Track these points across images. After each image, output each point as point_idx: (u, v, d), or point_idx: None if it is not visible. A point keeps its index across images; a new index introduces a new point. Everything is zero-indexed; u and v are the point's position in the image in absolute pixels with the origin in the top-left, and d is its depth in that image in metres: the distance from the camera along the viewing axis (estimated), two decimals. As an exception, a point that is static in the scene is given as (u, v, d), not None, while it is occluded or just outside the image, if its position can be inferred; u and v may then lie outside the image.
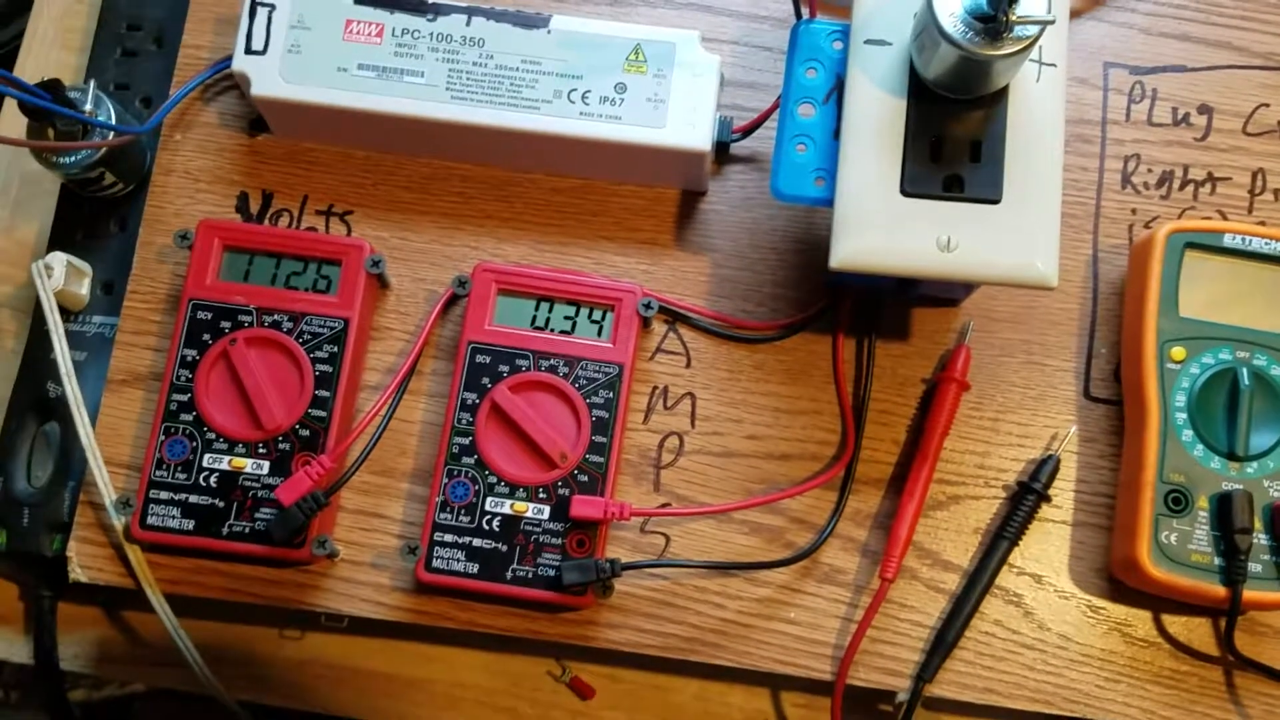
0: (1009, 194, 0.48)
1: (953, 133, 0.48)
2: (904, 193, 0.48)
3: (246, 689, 0.58)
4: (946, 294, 0.57)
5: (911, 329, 0.57)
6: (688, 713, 0.58)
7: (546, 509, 0.52)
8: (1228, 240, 0.54)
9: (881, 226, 0.48)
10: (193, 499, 0.53)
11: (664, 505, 0.55)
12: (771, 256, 0.58)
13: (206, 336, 0.54)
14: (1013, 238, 0.48)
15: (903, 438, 0.56)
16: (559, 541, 0.52)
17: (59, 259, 0.58)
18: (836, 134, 0.50)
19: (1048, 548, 0.55)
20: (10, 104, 0.64)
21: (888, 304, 0.57)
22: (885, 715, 0.57)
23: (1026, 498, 0.55)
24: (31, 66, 0.65)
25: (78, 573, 0.55)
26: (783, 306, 0.57)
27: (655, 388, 0.56)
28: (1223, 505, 0.51)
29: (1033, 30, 0.44)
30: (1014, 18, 0.43)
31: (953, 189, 0.48)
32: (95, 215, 0.61)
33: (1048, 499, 0.55)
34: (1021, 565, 0.55)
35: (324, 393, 0.54)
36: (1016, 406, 0.57)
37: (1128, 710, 0.53)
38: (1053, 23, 0.44)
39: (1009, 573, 0.55)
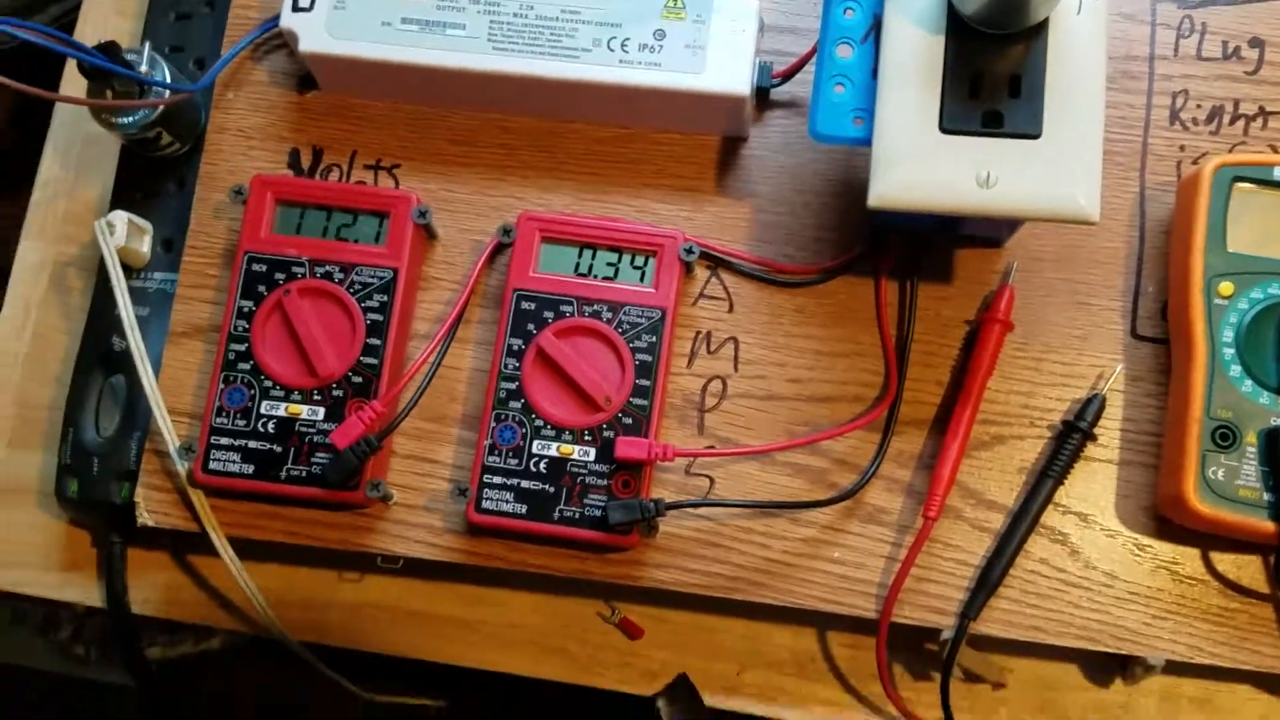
0: (1049, 128, 0.48)
1: (992, 68, 0.48)
2: (943, 129, 0.48)
3: (307, 631, 0.60)
4: (989, 234, 0.57)
5: (954, 270, 0.57)
6: (735, 652, 0.59)
7: (592, 451, 0.53)
8: (1278, 174, 0.53)
9: (920, 163, 0.48)
10: (252, 444, 0.55)
11: (708, 447, 0.56)
12: (813, 200, 0.58)
13: (262, 288, 0.56)
14: (1053, 172, 0.48)
15: (946, 379, 0.56)
16: (605, 483, 0.53)
17: (120, 217, 0.60)
18: (874, 73, 0.50)
19: (1094, 487, 0.55)
20: (71, 68, 0.66)
21: (930, 246, 0.57)
22: (931, 654, 0.58)
23: (1071, 437, 0.54)
24: (90, 32, 0.67)
25: (145, 517, 0.57)
26: (825, 250, 0.58)
27: (698, 332, 0.57)
28: (1271, 440, 0.51)
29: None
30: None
31: (992, 125, 0.48)
32: (154, 175, 0.63)
33: (1093, 438, 0.55)
34: (1067, 504, 0.55)
35: (375, 340, 0.55)
36: (1061, 346, 0.56)
37: (1175, 646, 0.53)
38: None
39: (1054, 512, 0.55)
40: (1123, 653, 0.54)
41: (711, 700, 0.59)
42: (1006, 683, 0.57)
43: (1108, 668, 0.57)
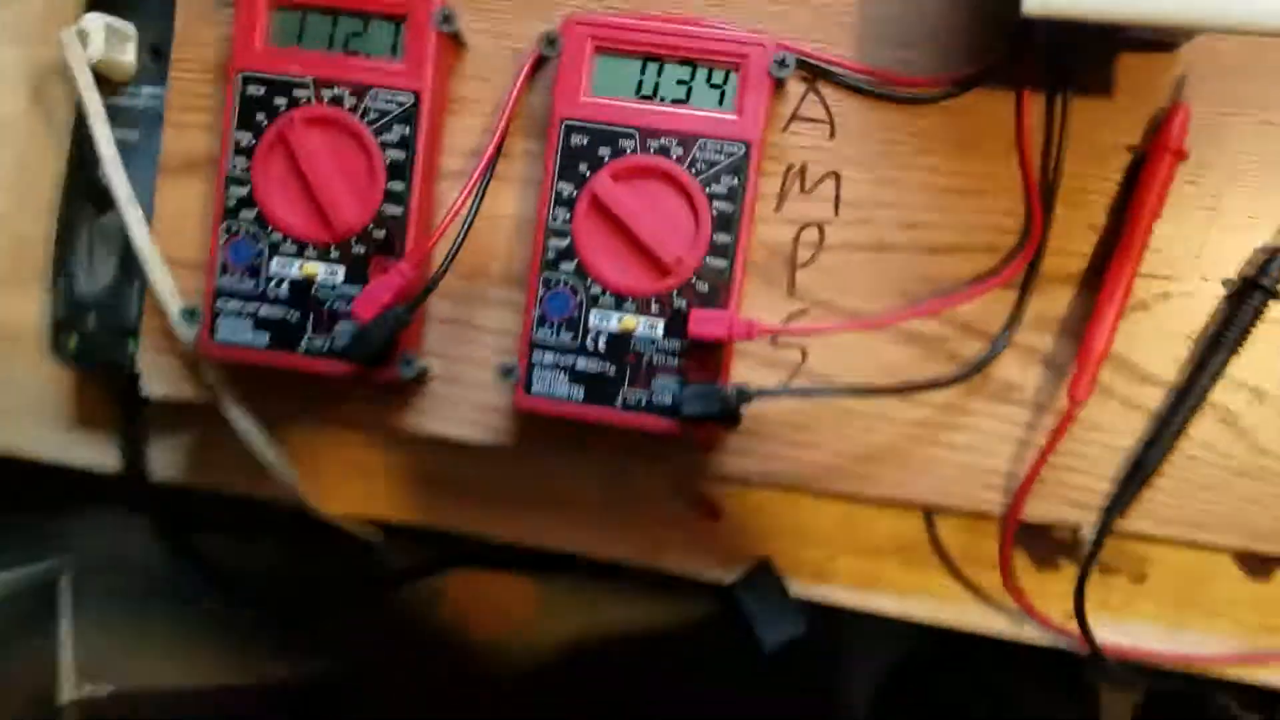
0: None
1: None
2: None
3: (353, 502, 0.54)
4: (1163, 35, 0.44)
5: (1115, 81, 0.45)
6: (827, 535, 0.52)
7: (660, 324, 0.44)
8: None
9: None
10: (264, 310, 0.46)
11: (800, 313, 0.46)
12: (940, -10, 0.46)
13: (261, 116, 0.46)
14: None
15: (1101, 222, 0.45)
16: (675, 362, 0.44)
17: (96, 22, 0.50)
18: None
19: (1272, 356, 0.45)
20: None
21: (1086, 49, 0.45)
22: (1057, 540, 0.50)
23: (1252, 295, 0.44)
24: None
25: (149, 388, 0.50)
26: (954, 54, 0.45)
27: (790, 166, 0.46)
28: None
29: None
30: None
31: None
32: (134, -36, 0.52)
33: (1278, 297, 0.44)
34: (1240, 377, 0.45)
35: (398, 185, 0.45)
36: (1245, 180, 0.45)
37: (1365, 549, 0.44)
38: None
39: (1223, 386, 0.45)
40: (1297, 554, 0.45)
41: (799, 588, 0.52)
42: (1147, 575, 0.49)
43: (1267, 560, 0.49)
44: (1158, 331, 0.45)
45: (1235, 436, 0.45)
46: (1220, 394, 0.45)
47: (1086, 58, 0.45)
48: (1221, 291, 0.45)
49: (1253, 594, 0.50)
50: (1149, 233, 0.44)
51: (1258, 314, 0.44)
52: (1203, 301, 0.45)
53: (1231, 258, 0.45)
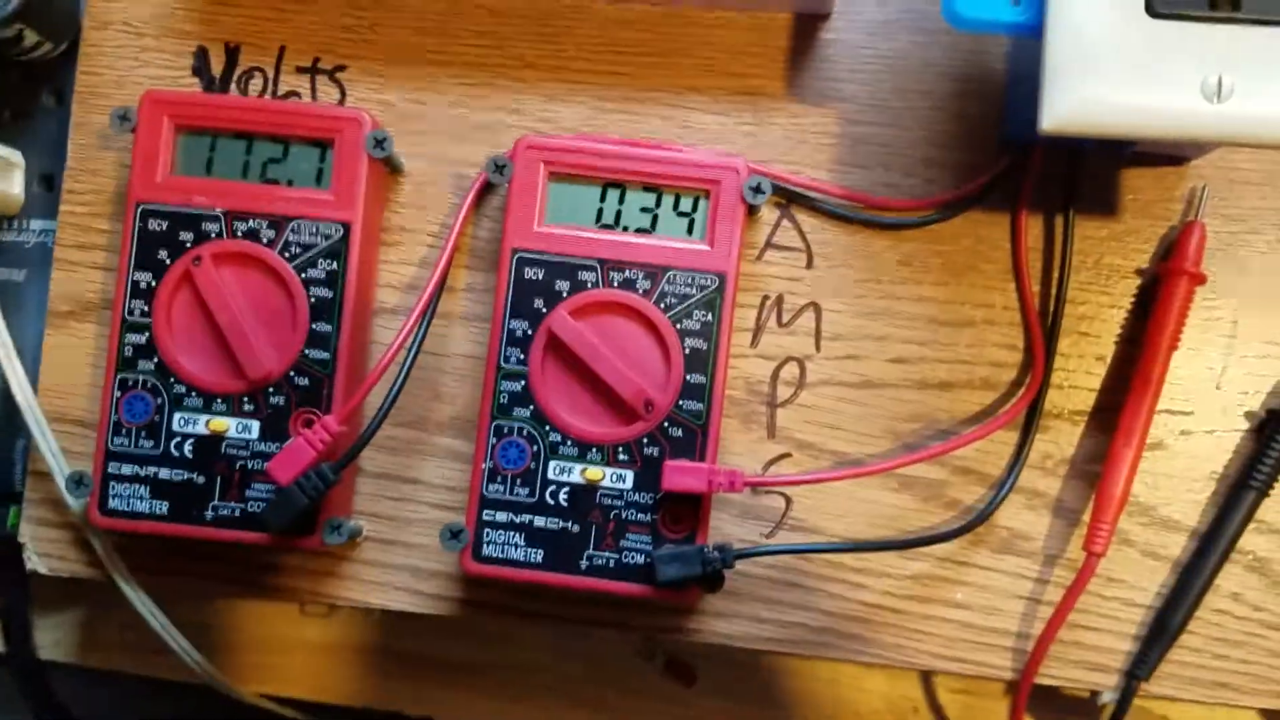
0: (1309, 7, 0.32)
1: (1230, -84, 0.32)
2: (1152, 12, 0.32)
3: (264, 679, 0.48)
4: (1173, 150, 0.41)
5: (1121, 200, 0.42)
6: (816, 701, 0.46)
7: (629, 475, 0.39)
8: None
9: (1119, 66, 0.32)
10: (164, 473, 0.40)
11: (782, 457, 0.41)
12: (923, 105, 0.42)
13: (163, 254, 0.41)
14: (1312, 76, 0.32)
15: (1111, 353, 0.41)
16: (648, 518, 0.39)
17: (-23, 148, 0.44)
18: (1044, -75, 0.33)
19: (1304, 493, 0.41)
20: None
21: (1088, 165, 0.41)
22: (1069, 700, 0.45)
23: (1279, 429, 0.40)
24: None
25: (35, 562, 0.43)
26: (940, 175, 0.42)
27: (765, 297, 0.42)
28: None
29: None
30: None
31: (1224, 5, 0.32)
32: (24, 86, 0.47)
33: (1308, 431, 0.40)
34: (1269, 520, 0.41)
35: (324, 326, 0.40)
36: (1265, 303, 0.41)
37: None
38: None
39: (1252, 530, 0.41)
40: (1341, 715, 0.41)
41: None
42: (1171, 739, 0.44)
43: (1300, 715, 0.44)
44: (1178, 472, 0.41)
45: (1267, 586, 0.41)
46: (1248, 539, 0.41)
47: (1091, 175, 0.41)
48: (1245, 426, 0.41)
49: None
50: (1167, 364, 0.40)
51: (1285, 449, 0.40)
52: (1225, 438, 0.41)
53: (1256, 387, 0.41)
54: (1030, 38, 0.34)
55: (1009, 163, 0.41)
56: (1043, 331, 0.41)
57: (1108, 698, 0.41)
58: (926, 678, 0.46)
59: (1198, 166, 0.41)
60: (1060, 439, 0.41)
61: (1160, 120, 0.32)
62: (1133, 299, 0.41)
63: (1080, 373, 0.41)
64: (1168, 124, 0.32)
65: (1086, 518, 0.40)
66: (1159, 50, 0.32)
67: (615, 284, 0.39)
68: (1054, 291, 0.41)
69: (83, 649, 0.49)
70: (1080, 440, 0.41)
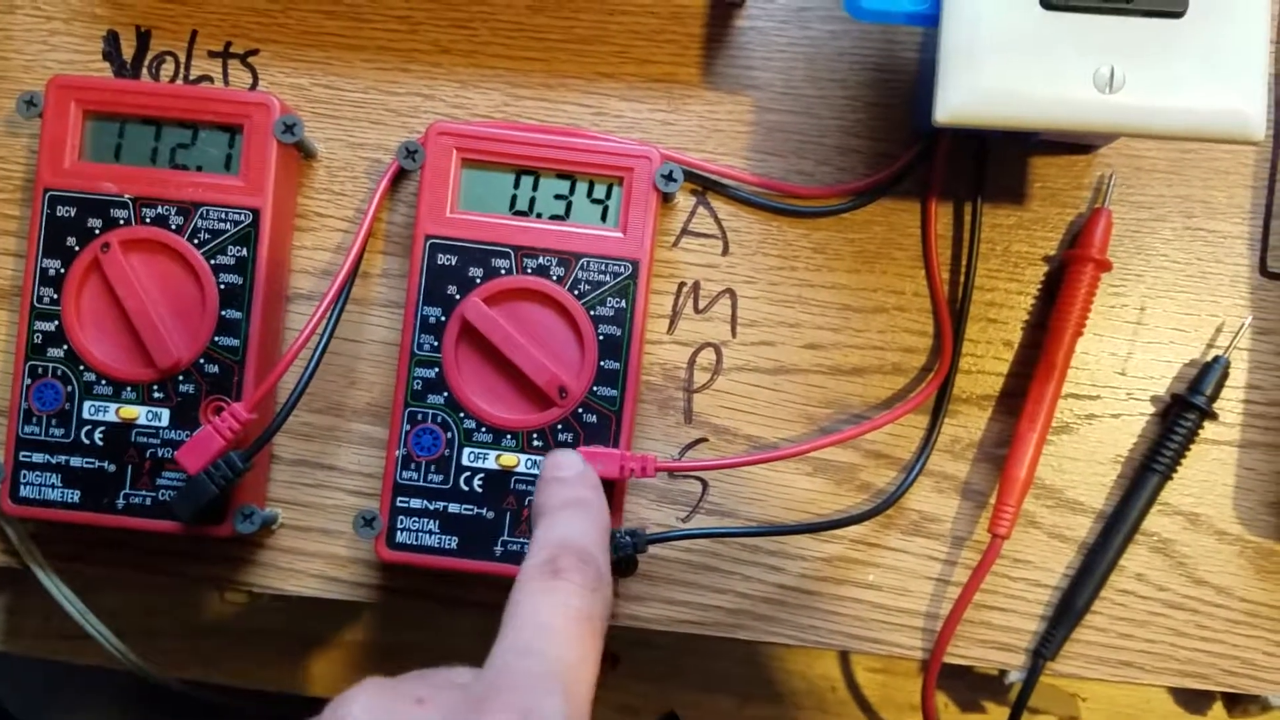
0: (1197, 2, 0.33)
1: (1124, -91, 0.32)
2: (1046, 4, 0.33)
3: (187, 664, 0.47)
4: (1076, 139, 0.41)
5: (1029, 188, 0.42)
6: (735, 681, 0.47)
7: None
8: None
9: (1013, 57, 0.33)
10: (75, 462, 0.40)
11: (698, 442, 0.42)
12: (837, 93, 0.42)
13: (72, 241, 0.40)
14: (1203, 68, 0.33)
15: (1018, 338, 0.42)
16: (561, 506, 0.39)
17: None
18: (943, -82, 0.34)
19: (1206, 477, 0.42)
20: None
21: (996, 153, 0.42)
22: (982, 679, 0.46)
23: (1185, 415, 0.41)
24: None
25: (-55, 552, 0.43)
26: (853, 164, 0.42)
27: (682, 284, 0.42)
28: None
29: None
30: None
31: (1118, -3, 0.33)
32: (-68, 67, 0.46)
33: (1212, 415, 0.41)
34: (1173, 502, 0.42)
35: (233, 313, 0.40)
36: (1170, 290, 0.42)
37: (1310, 685, 0.41)
38: None
39: (1156, 512, 0.41)
40: (1239, 691, 0.42)
41: (709, 746, 0.47)
42: (1080, 716, 0.45)
43: (1206, 692, 0.45)
44: (1084, 455, 0.42)
45: (1170, 566, 0.42)
46: (1151, 519, 0.41)
47: (999, 163, 0.42)
48: (1150, 410, 0.42)
49: (1191, 729, 0.46)
50: (1072, 350, 0.41)
51: (1192, 434, 0.41)
52: (1131, 420, 0.42)
53: (1160, 373, 0.42)
54: (931, 28, 0.34)
55: (919, 151, 0.41)
56: (951, 318, 0.41)
57: (1014, 677, 0.42)
58: (845, 657, 0.47)
59: (1105, 155, 0.42)
60: (969, 423, 0.42)
61: (1054, 111, 0.33)
62: (1040, 285, 0.42)
63: (989, 358, 0.42)
64: (1061, 115, 0.33)
65: (993, 500, 0.41)
66: (1052, 42, 0.33)
67: (529, 271, 0.39)
68: (963, 279, 0.42)
69: (6, 636, 0.48)
70: (988, 424, 0.42)
